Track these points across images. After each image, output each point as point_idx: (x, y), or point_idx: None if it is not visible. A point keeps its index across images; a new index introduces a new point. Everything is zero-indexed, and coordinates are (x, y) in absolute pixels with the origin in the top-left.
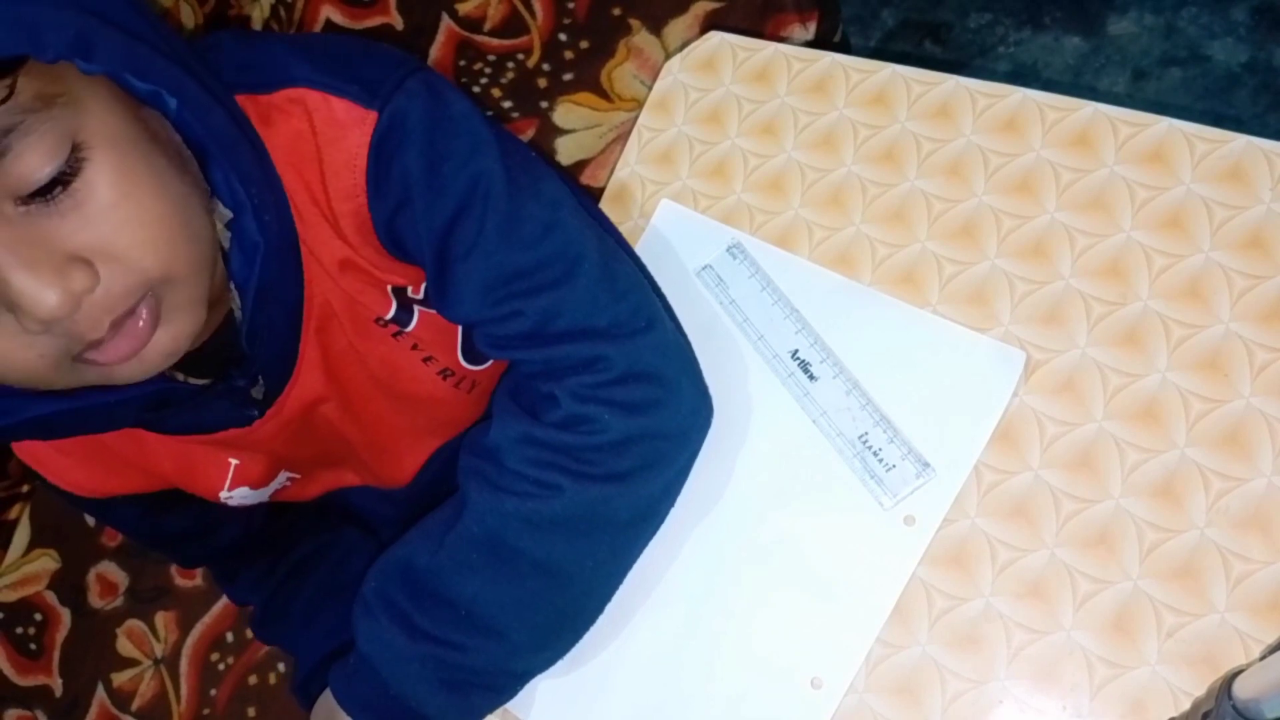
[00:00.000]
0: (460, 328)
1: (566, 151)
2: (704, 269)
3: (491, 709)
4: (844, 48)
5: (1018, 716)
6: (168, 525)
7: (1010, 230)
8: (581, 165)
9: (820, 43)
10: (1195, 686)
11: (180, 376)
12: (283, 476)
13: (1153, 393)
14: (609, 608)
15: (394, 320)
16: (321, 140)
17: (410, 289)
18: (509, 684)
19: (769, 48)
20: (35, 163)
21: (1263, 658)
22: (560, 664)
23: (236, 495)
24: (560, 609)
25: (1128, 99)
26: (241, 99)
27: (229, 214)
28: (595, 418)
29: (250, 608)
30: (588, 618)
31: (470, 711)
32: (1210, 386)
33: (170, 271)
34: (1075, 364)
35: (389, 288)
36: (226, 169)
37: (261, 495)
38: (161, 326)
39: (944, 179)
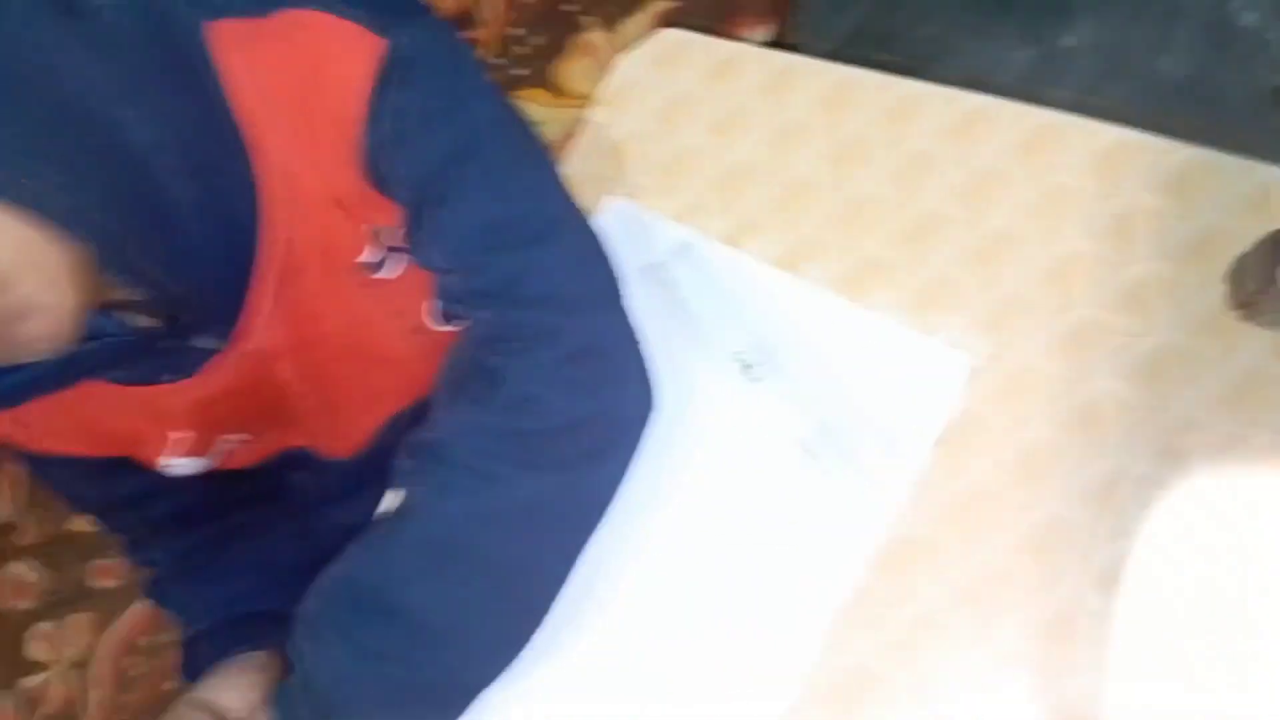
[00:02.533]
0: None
1: None
2: (653, 266)
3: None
4: (798, 52)
5: None
6: (106, 490)
7: (958, 235)
8: None
9: (775, 46)
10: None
11: (141, 321)
12: (223, 441)
13: (1093, 400)
14: (554, 622)
15: (369, 267)
16: (323, 64)
17: (391, 233)
18: (460, 698)
19: (723, 46)
20: None
21: None
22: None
23: (176, 464)
24: (509, 608)
25: (1077, 110)
26: (234, 22)
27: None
28: (542, 397)
29: (148, 570)
30: (535, 618)
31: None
32: (1150, 394)
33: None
34: (1019, 369)
35: (370, 229)
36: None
37: (204, 463)
38: (32, 319)
39: (895, 182)
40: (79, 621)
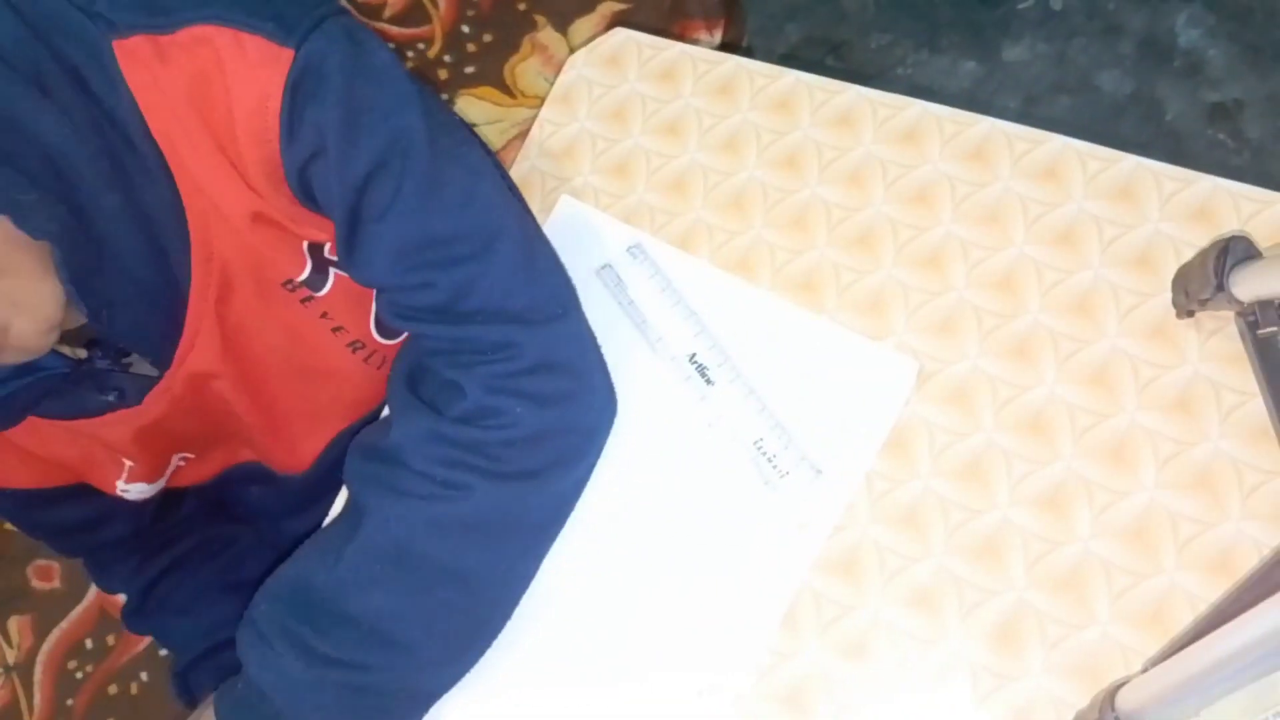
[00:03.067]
0: (374, 300)
1: None
2: (604, 268)
3: None
4: (748, 57)
5: None
6: (58, 516)
7: (906, 241)
8: None
9: (726, 50)
10: (1078, 697)
11: (68, 351)
12: (176, 459)
13: (1040, 405)
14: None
15: (306, 283)
16: (231, 80)
17: (327, 247)
18: (415, 707)
19: (675, 47)
20: None
21: (1145, 670)
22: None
23: (133, 490)
24: (469, 617)
25: (1020, 122)
26: (140, 39)
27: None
28: (506, 410)
29: (120, 597)
30: (495, 626)
31: None
32: (1096, 400)
33: None
34: (966, 375)
35: (304, 245)
36: None
37: (158, 485)
38: (20, 317)
39: (844, 187)
40: (20, 623)
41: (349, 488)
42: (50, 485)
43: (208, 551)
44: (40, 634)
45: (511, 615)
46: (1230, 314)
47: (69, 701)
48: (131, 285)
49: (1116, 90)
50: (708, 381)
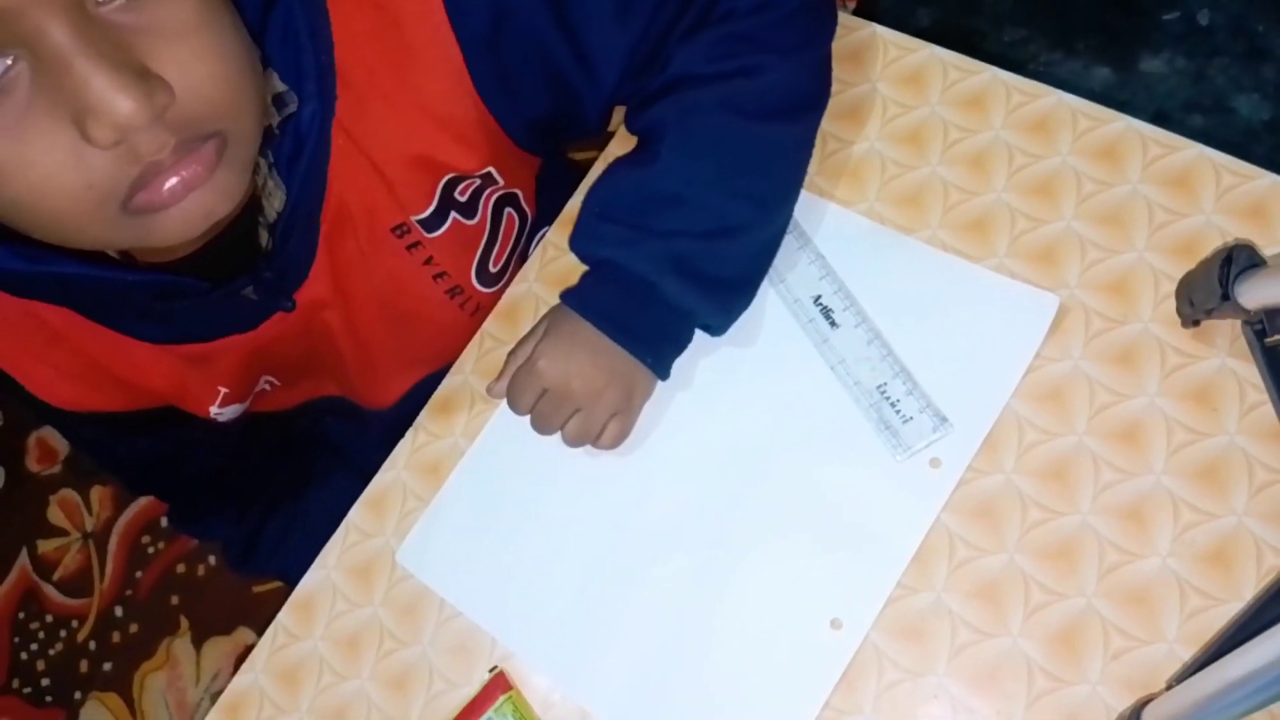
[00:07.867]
0: (480, 247)
1: None
2: None
3: (736, 299)
4: None
5: (952, 715)
6: (137, 449)
7: (1023, 231)
8: None
9: None
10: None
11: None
12: (263, 381)
13: (1138, 415)
14: (621, 559)
15: (423, 223)
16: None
17: (460, 188)
18: (753, 266)
19: None
20: None
21: (1169, 687)
22: (576, 613)
23: (227, 412)
24: (781, 175)
25: None
26: None
27: (280, 86)
28: None
29: (219, 543)
30: (795, 188)
31: (720, 301)
32: (1197, 418)
33: (238, 118)
34: (1066, 374)
35: (441, 183)
36: (298, 39)
37: (246, 403)
38: (215, 176)
39: (965, 169)
40: (101, 494)
41: (649, 135)
42: (134, 408)
43: (304, 485)
44: (120, 506)
45: (799, 191)
46: None
47: (138, 574)
48: (310, 205)
49: (1253, 115)
50: (832, 324)
